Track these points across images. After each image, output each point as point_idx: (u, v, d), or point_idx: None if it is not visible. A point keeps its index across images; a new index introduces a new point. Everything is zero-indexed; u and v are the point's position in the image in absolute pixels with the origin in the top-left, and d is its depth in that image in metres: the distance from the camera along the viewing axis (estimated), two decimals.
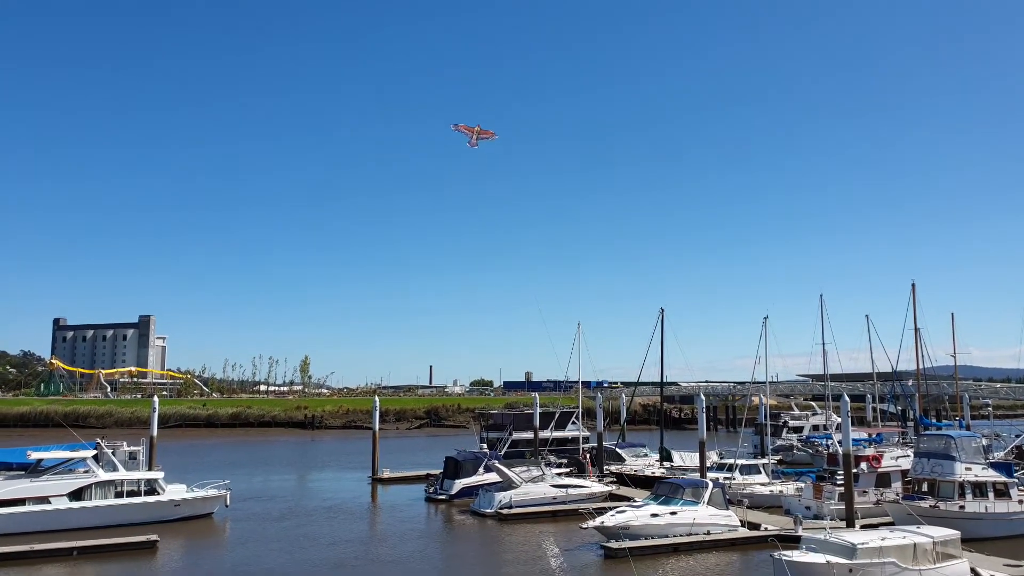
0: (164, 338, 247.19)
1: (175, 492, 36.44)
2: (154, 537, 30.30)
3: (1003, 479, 34.30)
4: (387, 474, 52.33)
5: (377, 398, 63.37)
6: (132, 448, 40.68)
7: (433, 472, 48.10)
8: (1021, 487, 35.83)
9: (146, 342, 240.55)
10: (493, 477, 41.44)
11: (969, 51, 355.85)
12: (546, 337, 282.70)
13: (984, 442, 41.60)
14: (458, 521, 37.67)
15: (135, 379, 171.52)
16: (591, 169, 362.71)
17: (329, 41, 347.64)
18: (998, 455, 47.64)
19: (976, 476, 33.52)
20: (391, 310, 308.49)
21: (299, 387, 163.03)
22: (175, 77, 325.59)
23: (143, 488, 35.50)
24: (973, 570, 24.05)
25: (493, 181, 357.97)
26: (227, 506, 37.80)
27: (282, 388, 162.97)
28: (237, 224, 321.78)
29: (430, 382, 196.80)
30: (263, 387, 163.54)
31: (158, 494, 35.70)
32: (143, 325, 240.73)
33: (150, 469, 40.47)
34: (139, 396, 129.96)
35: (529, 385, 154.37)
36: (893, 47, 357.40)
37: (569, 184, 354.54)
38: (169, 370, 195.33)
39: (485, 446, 53.22)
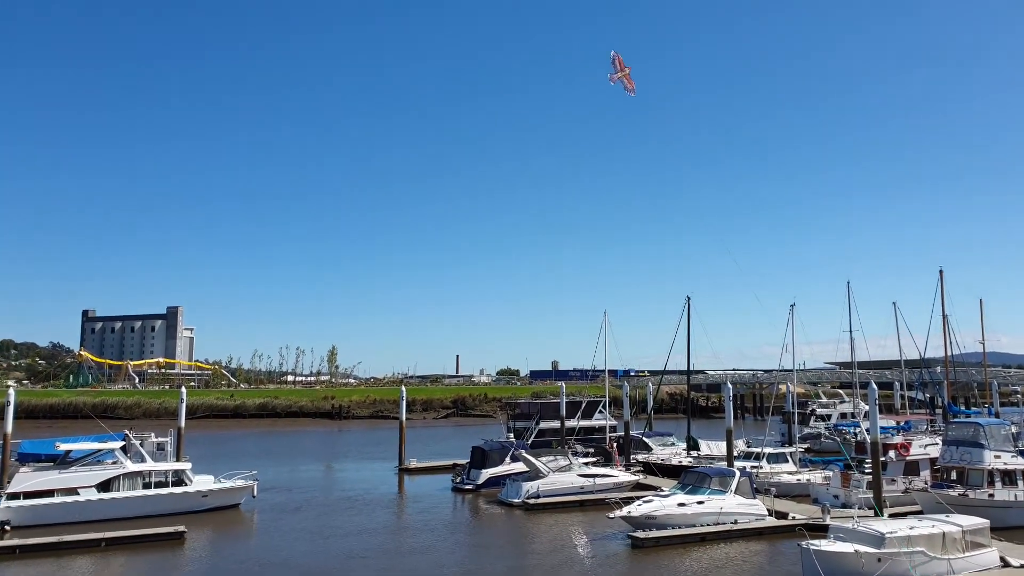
0: (192, 329, 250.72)
1: (203, 483, 36.96)
2: (182, 528, 30.78)
3: None
4: (414, 464, 52.82)
5: (404, 388, 63.90)
6: (160, 439, 41.14)
7: (460, 462, 48.43)
8: None
9: (174, 333, 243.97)
10: (520, 467, 41.66)
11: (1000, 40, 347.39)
12: (573, 326, 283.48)
13: (1014, 429, 41.04)
14: (485, 511, 38.04)
15: (163, 370, 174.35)
16: (616, 156, 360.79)
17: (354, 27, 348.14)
18: None
19: (1005, 464, 33.20)
20: (418, 300, 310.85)
21: (326, 377, 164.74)
22: (197, 71, 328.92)
23: (171, 479, 35.96)
24: (1003, 559, 23.88)
25: (514, 168, 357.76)
26: (254, 497, 38.33)
27: (309, 378, 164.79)
28: (265, 215, 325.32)
29: (456, 371, 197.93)
30: (290, 377, 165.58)
31: (186, 485, 36.19)
32: (171, 316, 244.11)
33: (178, 460, 41.06)
34: (167, 387, 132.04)
35: (556, 374, 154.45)
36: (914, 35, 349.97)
37: (597, 170, 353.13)
38: (197, 361, 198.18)
39: (512, 436, 53.41)
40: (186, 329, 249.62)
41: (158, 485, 35.61)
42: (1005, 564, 23.69)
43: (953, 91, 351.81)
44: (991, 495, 31.89)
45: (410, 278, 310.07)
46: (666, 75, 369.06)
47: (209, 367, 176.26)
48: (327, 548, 29.60)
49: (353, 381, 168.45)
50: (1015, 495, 32.25)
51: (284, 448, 72.75)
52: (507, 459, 44.20)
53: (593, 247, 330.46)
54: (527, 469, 40.46)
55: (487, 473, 43.63)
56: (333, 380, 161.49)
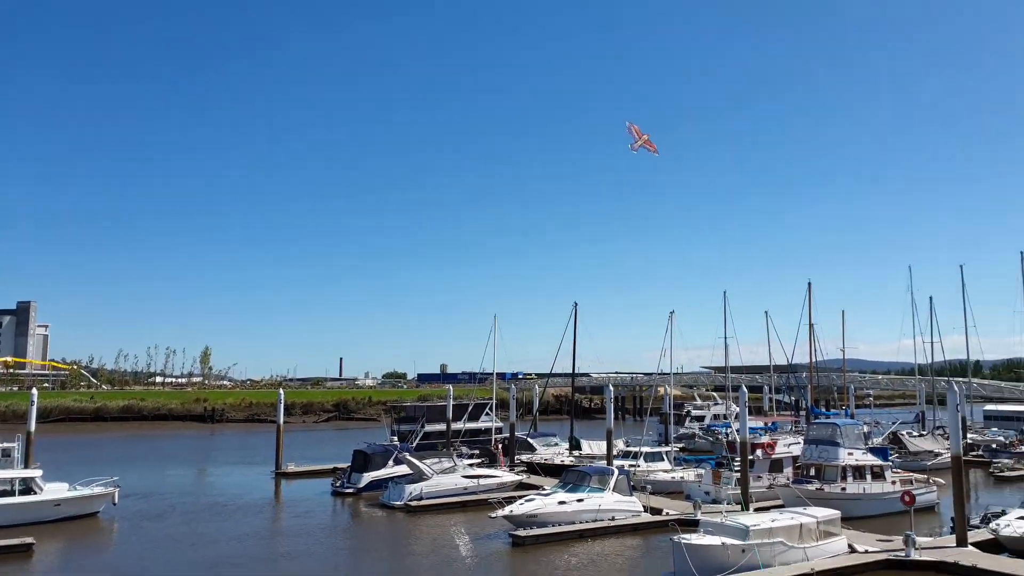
0: (47, 327, 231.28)
1: (55, 491, 34.11)
2: (30, 540, 28.19)
3: (879, 463, 36.93)
4: (291, 468, 50.97)
5: (282, 391, 61.70)
6: (6, 444, 37.77)
7: (340, 466, 47.14)
8: (894, 469, 38.73)
9: (25, 330, 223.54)
10: (403, 469, 41.04)
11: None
12: (463, 329, 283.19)
13: (865, 429, 44.59)
14: (366, 514, 37.22)
15: (11, 370, 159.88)
16: (504, 163, 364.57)
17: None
18: (876, 441, 51.15)
19: (857, 460, 35.89)
20: (300, 300, 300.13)
21: (199, 379, 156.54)
22: (71, 56, 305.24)
23: (17, 487, 33.00)
24: (850, 546, 25.85)
25: (401, 171, 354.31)
26: (115, 504, 35.69)
27: (180, 380, 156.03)
28: (133, 210, 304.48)
29: (340, 374, 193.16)
30: (159, 379, 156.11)
31: (35, 493, 33.31)
32: (21, 312, 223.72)
33: (26, 467, 37.92)
34: (16, 388, 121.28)
35: (444, 377, 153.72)
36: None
37: (484, 178, 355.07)
38: (52, 360, 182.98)
39: (396, 439, 52.66)
40: (39, 326, 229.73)
41: (3, 494, 32.59)
42: (852, 550, 25.64)
43: (828, 102, 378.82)
44: (843, 488, 34.39)
45: (292, 278, 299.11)
46: (536, 85, 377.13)
47: (66, 367, 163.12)
48: (192, 556, 27.94)
49: (228, 383, 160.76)
50: (863, 488, 34.95)
51: (150, 453, 68.44)
52: (390, 462, 43.42)
53: (483, 253, 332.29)
54: (411, 471, 39.93)
55: (369, 476, 42.70)
56: (206, 382, 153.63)
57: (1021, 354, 72.72)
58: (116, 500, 35.85)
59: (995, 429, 69.61)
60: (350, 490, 42.12)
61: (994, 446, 57.79)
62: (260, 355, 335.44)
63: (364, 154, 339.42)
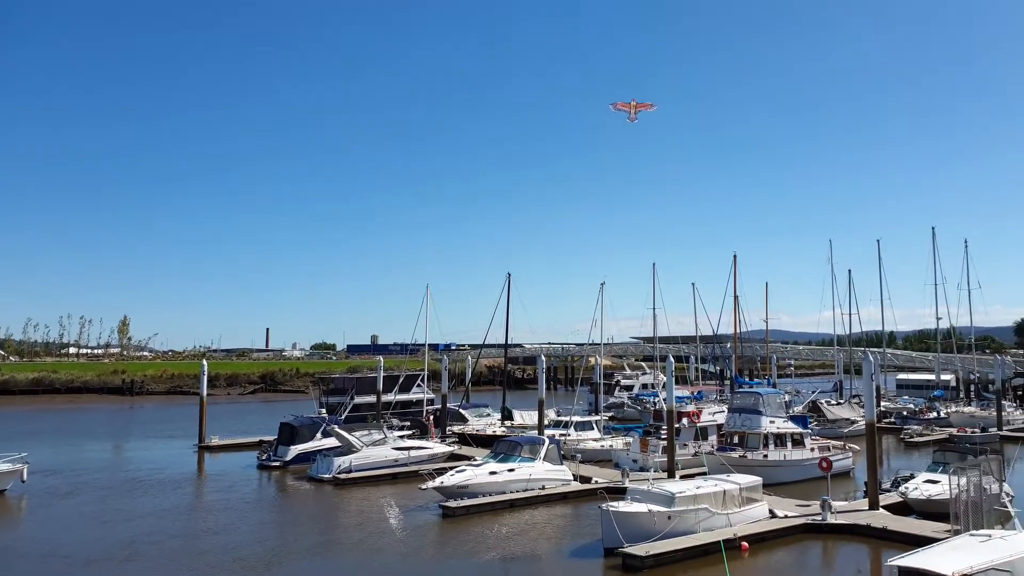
0: None
1: None
2: None
3: (799, 430, 38.34)
4: (215, 442, 49.56)
5: (205, 362, 59.62)
6: None
7: (267, 439, 46.08)
8: (813, 437, 40.29)
9: None
10: (332, 442, 40.41)
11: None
12: (395, 300, 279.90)
13: (786, 398, 46.18)
14: (293, 487, 36.46)
15: None
16: (440, 130, 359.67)
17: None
18: (797, 409, 53.13)
19: (778, 428, 37.15)
20: (223, 267, 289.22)
21: (116, 350, 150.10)
22: None
23: None
24: (771, 511, 26.76)
25: (339, 141, 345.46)
26: (23, 482, 34.01)
27: (97, 351, 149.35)
28: (43, 169, 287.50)
29: (267, 345, 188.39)
30: (73, 350, 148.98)
31: None
32: None
33: None
34: None
35: (375, 348, 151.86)
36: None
37: (418, 146, 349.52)
38: None
39: (324, 411, 51.77)
40: None
41: None
42: (772, 515, 26.56)
43: (751, 74, 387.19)
44: (765, 456, 35.56)
45: (215, 244, 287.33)
46: (466, 53, 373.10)
47: None
48: (106, 533, 26.76)
49: (148, 355, 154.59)
50: (784, 455, 36.24)
51: (63, 428, 65.40)
52: (318, 434, 42.74)
53: (416, 222, 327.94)
54: (340, 444, 39.36)
55: (296, 449, 41.88)
56: (125, 353, 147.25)
57: (931, 325, 75.82)
58: (25, 477, 34.18)
59: (906, 397, 73.40)
60: (276, 463, 41.24)
61: (905, 413, 60.89)
62: (183, 325, 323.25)
63: (290, 122, 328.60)
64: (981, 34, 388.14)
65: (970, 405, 64.66)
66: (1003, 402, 58.01)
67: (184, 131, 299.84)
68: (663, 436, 37.22)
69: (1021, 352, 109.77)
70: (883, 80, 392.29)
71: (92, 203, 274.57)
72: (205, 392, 53.24)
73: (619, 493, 27.74)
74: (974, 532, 19.64)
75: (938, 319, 72.39)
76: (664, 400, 38.52)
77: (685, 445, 39.00)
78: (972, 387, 73.60)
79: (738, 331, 70.04)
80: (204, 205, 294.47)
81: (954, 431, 52.29)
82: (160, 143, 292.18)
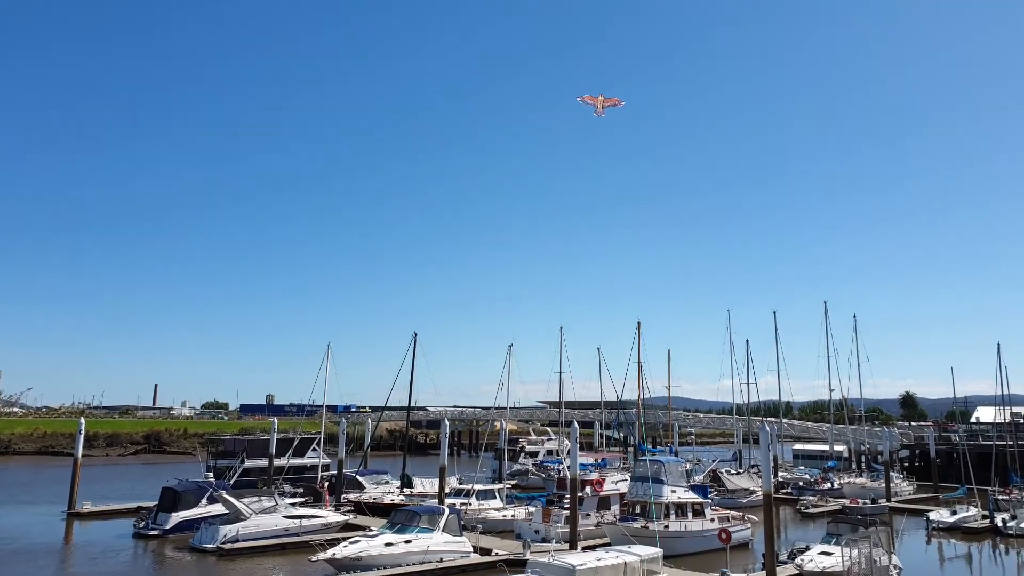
0: None
1: None
2: None
3: (700, 500, 38.56)
4: (88, 508, 45.48)
5: (83, 420, 55.29)
6: None
7: (146, 505, 42.79)
8: (714, 507, 40.65)
9: None
10: (218, 509, 37.91)
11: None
12: (294, 358, 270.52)
13: (688, 466, 46.66)
14: (172, 558, 33.61)
15: None
16: (343, 187, 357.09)
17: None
18: (697, 478, 53.77)
19: (679, 498, 37.27)
20: (110, 319, 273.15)
21: None
22: None
23: None
24: None
25: (233, 194, 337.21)
26: None
27: None
28: None
29: (154, 403, 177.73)
30: None
31: None
32: None
33: None
34: None
35: (270, 408, 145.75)
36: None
37: (324, 206, 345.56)
38: None
39: (211, 475, 48.74)
40: None
41: None
42: None
43: (657, 151, 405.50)
44: (667, 526, 35.45)
45: (99, 294, 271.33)
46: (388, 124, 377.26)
47: None
48: None
49: (19, 410, 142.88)
50: (685, 526, 36.26)
51: None
52: (203, 500, 39.96)
53: (319, 281, 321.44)
54: (227, 511, 36.94)
55: (178, 516, 38.91)
56: None
57: (825, 396, 79.14)
58: None
59: (802, 467, 75.80)
60: (155, 532, 38.18)
61: (801, 484, 62.63)
62: (60, 380, 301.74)
63: (177, 173, 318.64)
64: (860, 127, 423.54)
65: (861, 476, 67.26)
66: (891, 473, 60.67)
67: (75, 180, 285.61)
68: (566, 505, 36.65)
69: (906, 424, 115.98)
70: (776, 165, 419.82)
71: None
72: (80, 453, 49.03)
73: (520, 566, 26.90)
74: None
75: (831, 391, 75.71)
76: (568, 468, 38.09)
77: (588, 515, 38.55)
78: (863, 458, 76.77)
79: (641, 397, 71.05)
80: (90, 254, 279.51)
81: (847, 502, 54.02)
82: (49, 190, 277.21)
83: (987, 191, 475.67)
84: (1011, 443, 65.58)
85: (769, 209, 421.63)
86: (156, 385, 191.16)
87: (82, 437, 49.51)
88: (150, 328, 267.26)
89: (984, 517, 44.36)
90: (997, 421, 77.25)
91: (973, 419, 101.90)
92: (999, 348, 65.49)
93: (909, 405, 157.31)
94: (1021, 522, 42.03)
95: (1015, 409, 79.73)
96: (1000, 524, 42.55)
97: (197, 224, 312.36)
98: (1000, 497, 47.28)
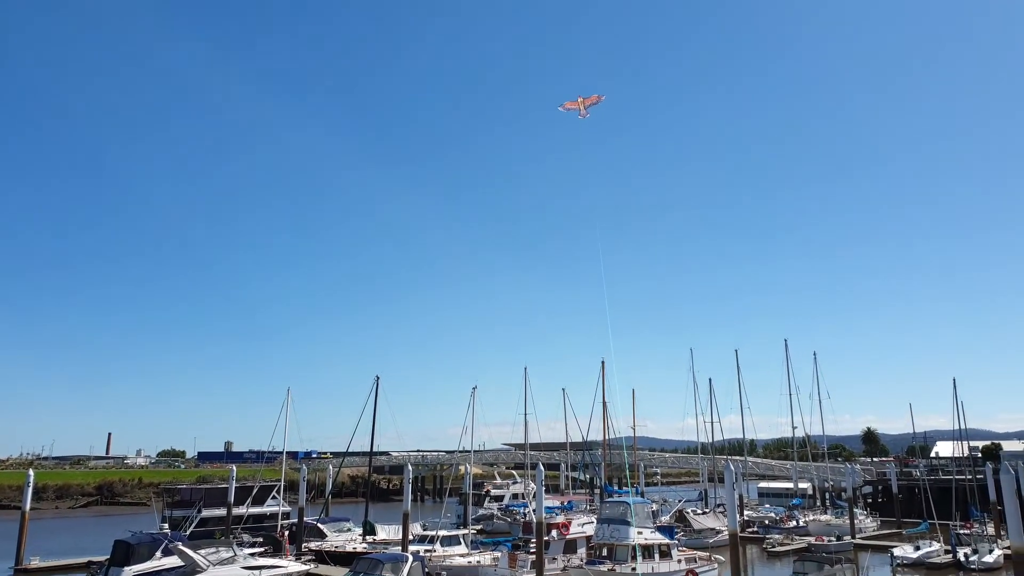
0: None
1: None
2: None
3: (667, 541, 38.38)
4: (35, 563, 43.62)
5: (32, 471, 53.27)
6: None
7: (97, 559, 41.26)
8: (680, 548, 40.44)
9: None
10: (174, 561, 36.42)
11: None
12: (252, 403, 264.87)
13: (654, 507, 46.48)
14: None
15: None
16: (308, 238, 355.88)
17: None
18: (664, 519, 53.53)
19: (646, 539, 37.02)
20: (60, 366, 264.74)
21: None
22: None
23: None
24: None
25: (202, 247, 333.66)
26: None
27: None
28: None
29: (107, 452, 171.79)
30: None
31: None
32: None
33: None
34: None
35: (228, 456, 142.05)
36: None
37: (284, 247, 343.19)
38: None
39: (167, 526, 47.17)
40: None
41: None
42: None
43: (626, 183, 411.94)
44: (633, 569, 35.10)
45: (48, 337, 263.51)
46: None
47: None
48: None
49: None
50: (652, 567, 35.93)
51: None
52: (158, 553, 38.34)
53: (276, 323, 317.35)
54: (182, 563, 35.54)
55: (131, 571, 37.20)
56: None
57: (788, 434, 79.84)
58: None
59: (768, 505, 75.88)
60: None
61: (767, 522, 62.64)
62: (8, 429, 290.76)
63: (122, 213, 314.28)
64: (832, 156, 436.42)
65: (826, 513, 67.59)
66: (855, 510, 61.08)
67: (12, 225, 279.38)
68: (532, 550, 36.13)
69: (868, 460, 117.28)
70: (734, 198, 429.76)
71: None
72: (28, 505, 47.20)
73: None
74: None
75: (794, 428, 76.40)
76: (534, 511, 37.67)
77: (554, 559, 38.06)
78: (827, 495, 77.28)
79: (607, 438, 70.83)
80: (37, 299, 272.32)
81: (812, 540, 54.13)
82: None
83: (945, 228, 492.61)
84: (970, 477, 66.69)
85: (731, 242, 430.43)
86: (110, 433, 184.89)
87: (30, 489, 47.83)
88: (103, 375, 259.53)
89: (947, 552, 44.82)
90: (955, 455, 78.62)
91: (933, 454, 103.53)
92: (955, 383, 66.98)
93: (871, 441, 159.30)
94: (983, 556, 42.52)
95: (972, 443, 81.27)
96: (962, 559, 43.00)
97: (150, 269, 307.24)
98: (962, 532, 47.81)
